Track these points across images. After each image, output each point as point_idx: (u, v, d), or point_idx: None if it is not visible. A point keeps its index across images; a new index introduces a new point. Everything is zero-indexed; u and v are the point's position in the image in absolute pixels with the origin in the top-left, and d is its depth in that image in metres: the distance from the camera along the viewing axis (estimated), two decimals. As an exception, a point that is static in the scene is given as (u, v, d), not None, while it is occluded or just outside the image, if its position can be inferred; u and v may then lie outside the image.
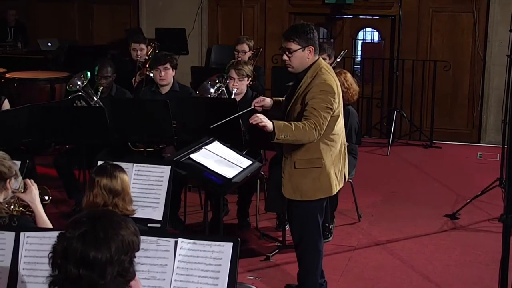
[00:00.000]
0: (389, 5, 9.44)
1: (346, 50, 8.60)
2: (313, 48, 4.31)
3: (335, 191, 4.48)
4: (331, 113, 4.25)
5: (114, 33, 10.61)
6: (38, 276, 3.00)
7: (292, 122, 4.21)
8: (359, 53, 10.12)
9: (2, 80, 7.04)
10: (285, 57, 4.35)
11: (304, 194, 4.40)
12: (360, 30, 10.03)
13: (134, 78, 7.26)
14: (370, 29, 10.08)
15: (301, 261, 4.62)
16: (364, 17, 9.92)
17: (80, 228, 2.13)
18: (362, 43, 10.14)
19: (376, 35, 10.08)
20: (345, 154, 4.55)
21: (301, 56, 4.31)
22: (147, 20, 10.46)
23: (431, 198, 7.01)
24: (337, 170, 4.44)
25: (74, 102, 6.33)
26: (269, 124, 4.14)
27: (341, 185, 4.58)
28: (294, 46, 4.29)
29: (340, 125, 4.42)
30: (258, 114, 4.23)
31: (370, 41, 10.21)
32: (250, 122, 4.23)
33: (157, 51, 7.81)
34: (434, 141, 9.16)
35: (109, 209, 3.40)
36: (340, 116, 4.40)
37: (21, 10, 11.06)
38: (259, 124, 4.16)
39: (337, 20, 9.87)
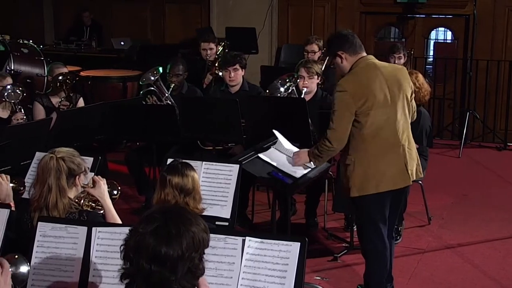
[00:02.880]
0: (463, 4, 9.24)
1: (412, 50, 8.48)
2: (343, 52, 4.38)
3: (374, 190, 4.31)
4: (352, 109, 4.24)
5: (185, 32, 10.73)
6: (109, 270, 3.06)
7: (315, 146, 4.52)
8: (431, 53, 9.95)
9: (77, 78, 7.21)
10: None
11: (346, 191, 4.41)
12: (432, 30, 9.86)
13: (203, 79, 7.32)
14: (443, 29, 9.89)
15: (365, 260, 4.59)
16: (437, 16, 9.75)
17: (153, 224, 2.17)
18: (434, 42, 9.96)
19: (449, 35, 9.89)
20: (403, 156, 4.38)
21: (337, 63, 4.49)
22: (218, 19, 10.53)
23: (504, 201, 6.83)
24: (378, 169, 4.30)
25: (145, 97, 6.44)
26: (305, 159, 4.60)
27: (395, 187, 4.38)
28: (328, 58, 4.49)
29: (378, 123, 4.27)
30: (297, 158, 4.64)
31: (442, 41, 10.03)
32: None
33: (227, 51, 7.86)
34: (509, 144, 8.92)
35: (180, 206, 3.42)
36: (377, 113, 4.26)
37: (97, 10, 11.32)
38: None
39: (409, 20, 9.72)
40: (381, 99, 4.28)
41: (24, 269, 2.84)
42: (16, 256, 2.89)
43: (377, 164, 4.31)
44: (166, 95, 6.42)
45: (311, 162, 4.60)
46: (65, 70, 6.43)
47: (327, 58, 7.73)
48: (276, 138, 4.86)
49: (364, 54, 4.43)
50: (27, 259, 3.13)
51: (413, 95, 4.57)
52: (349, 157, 4.35)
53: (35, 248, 3.16)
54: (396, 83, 4.39)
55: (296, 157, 4.67)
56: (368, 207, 4.38)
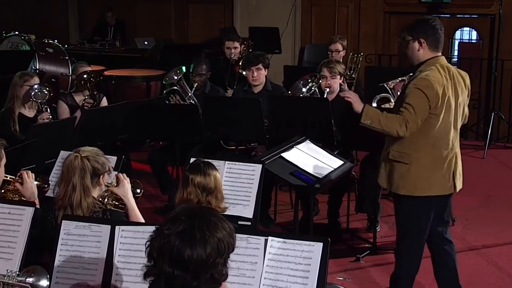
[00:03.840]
0: (489, 3, 9.17)
1: None
2: (424, 41, 4.22)
3: (424, 193, 4.24)
4: (429, 109, 4.13)
5: (208, 32, 10.77)
6: (132, 269, 3.08)
7: (385, 112, 4.26)
8: (456, 53, 9.88)
9: (101, 78, 7.26)
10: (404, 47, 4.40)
11: (392, 186, 4.32)
12: (457, 30, 9.79)
13: (226, 79, 7.33)
14: (468, 29, 9.83)
15: (396, 260, 4.52)
16: (462, 16, 9.68)
17: (178, 227, 2.14)
18: (459, 42, 9.89)
19: (474, 35, 9.81)
20: (453, 163, 4.33)
21: (412, 48, 4.28)
22: (241, 19, 10.55)
23: (529, 203, 6.77)
24: (433, 173, 4.24)
25: (169, 97, 6.47)
26: (357, 105, 4.35)
27: (444, 193, 4.33)
28: (406, 36, 4.30)
29: (443, 127, 4.21)
30: (351, 92, 4.49)
31: (467, 41, 9.95)
32: (341, 95, 4.54)
33: (250, 50, 7.87)
34: (534, 145, 8.85)
35: (207, 207, 3.42)
36: (444, 117, 4.19)
37: (121, 10, 11.39)
38: (346, 99, 4.42)
39: (433, 19, 9.65)
40: (452, 104, 4.22)
41: (44, 283, 2.85)
42: (38, 268, 2.91)
43: (435, 168, 4.24)
44: (189, 94, 6.44)
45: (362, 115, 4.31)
46: (89, 69, 6.47)
47: (352, 61, 7.69)
48: (299, 138, 4.86)
49: (440, 53, 4.33)
50: (52, 257, 3.17)
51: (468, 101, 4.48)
52: (406, 154, 4.21)
53: (59, 246, 3.18)
54: (461, 90, 4.33)
55: (353, 97, 4.46)
56: (416, 209, 4.29)
